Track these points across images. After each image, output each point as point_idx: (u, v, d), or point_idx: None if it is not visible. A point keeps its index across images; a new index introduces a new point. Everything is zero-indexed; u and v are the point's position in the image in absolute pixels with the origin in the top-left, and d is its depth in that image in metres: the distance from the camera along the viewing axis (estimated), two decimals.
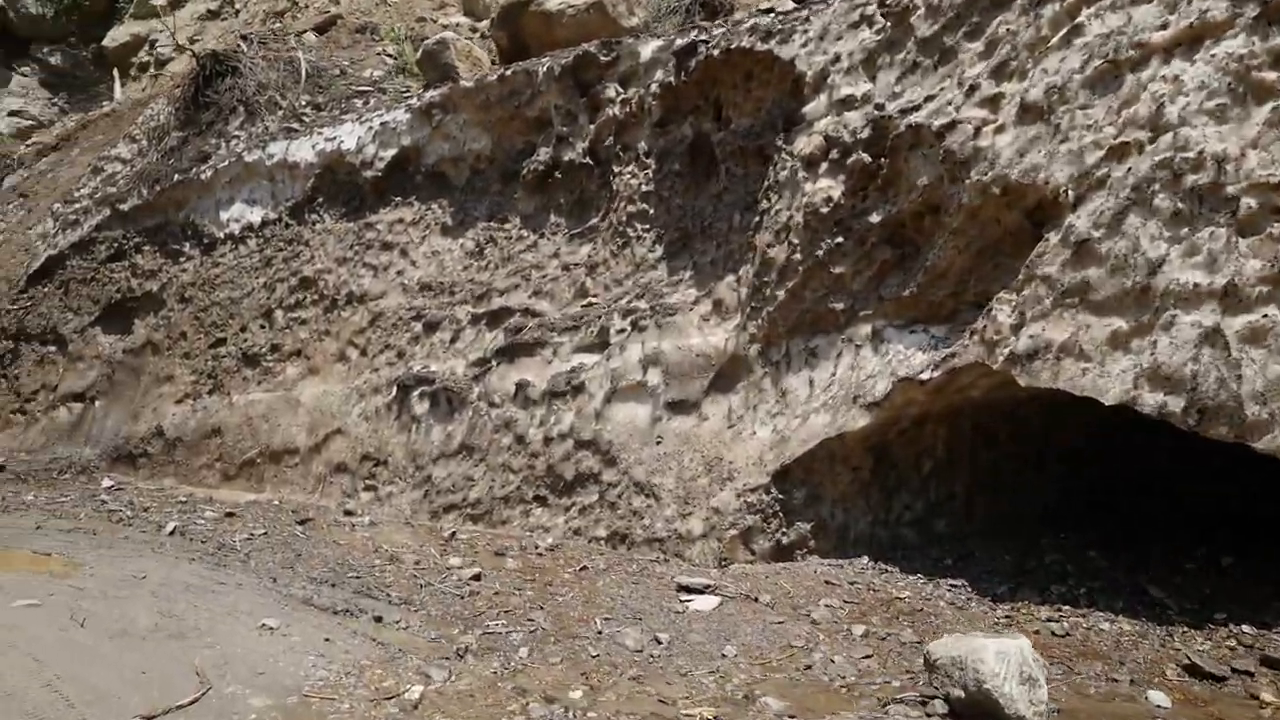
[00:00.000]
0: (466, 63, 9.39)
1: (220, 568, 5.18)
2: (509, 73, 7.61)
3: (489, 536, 6.17)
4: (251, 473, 8.03)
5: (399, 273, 8.02)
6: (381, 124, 8.34)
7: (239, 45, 10.63)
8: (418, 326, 7.67)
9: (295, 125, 9.27)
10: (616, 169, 7.05)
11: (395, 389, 7.36)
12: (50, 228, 10.80)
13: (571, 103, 7.35)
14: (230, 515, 6.73)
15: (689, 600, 4.58)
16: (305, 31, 11.50)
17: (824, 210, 5.43)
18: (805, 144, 5.65)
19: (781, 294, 5.58)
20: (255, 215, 8.98)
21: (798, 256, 5.53)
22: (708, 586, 4.72)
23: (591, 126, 7.23)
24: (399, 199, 8.27)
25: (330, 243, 8.44)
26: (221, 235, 9.15)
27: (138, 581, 4.72)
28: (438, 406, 7.11)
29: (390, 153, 8.27)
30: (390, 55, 11.21)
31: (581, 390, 6.43)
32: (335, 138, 8.58)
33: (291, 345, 8.31)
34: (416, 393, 7.23)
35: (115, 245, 9.88)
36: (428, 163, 8.17)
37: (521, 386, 6.68)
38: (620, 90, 7.08)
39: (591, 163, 7.22)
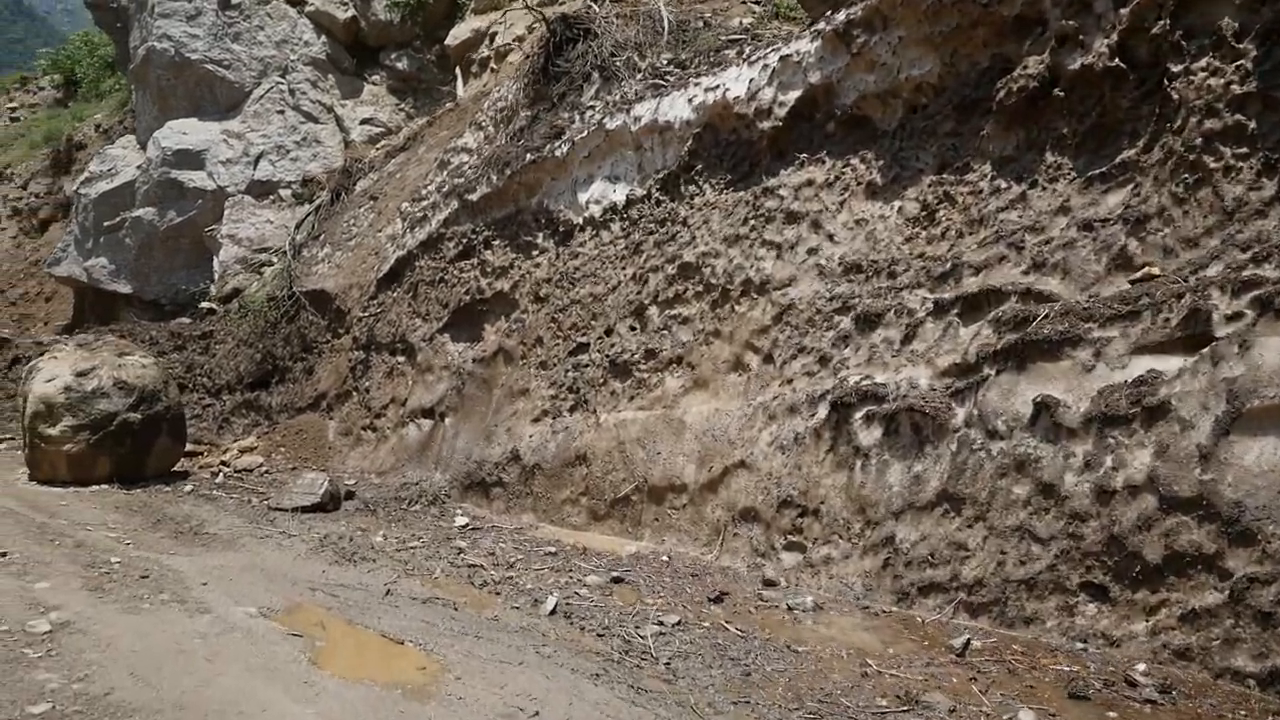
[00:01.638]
0: None
1: (639, 694, 3.30)
2: None
3: (1018, 647, 3.85)
4: (626, 513, 6.31)
5: (811, 251, 5.97)
6: (781, 59, 6.35)
7: (589, 6, 9.21)
8: (845, 322, 5.56)
9: (661, 83, 7.58)
10: (1174, 68, 4.52)
11: (826, 409, 5.27)
12: (399, 228, 10.01)
13: None
14: (617, 581, 4.98)
15: None
16: None
17: None
18: None
19: None
20: (619, 193, 7.36)
21: None
22: None
23: (1122, 12, 4.76)
24: (804, 155, 6.22)
25: (715, 219, 6.58)
26: (580, 221, 7.63)
27: None
28: (896, 435, 4.92)
29: (793, 95, 6.27)
30: (757, 1, 9.36)
31: (1163, 414, 3.95)
32: (718, 85, 6.72)
33: (671, 350, 6.52)
34: (860, 414, 5.09)
35: (463, 241, 8.75)
36: (843, 103, 6.06)
37: (1044, 407, 4.31)
38: None
39: (1124, 66, 4.74)
